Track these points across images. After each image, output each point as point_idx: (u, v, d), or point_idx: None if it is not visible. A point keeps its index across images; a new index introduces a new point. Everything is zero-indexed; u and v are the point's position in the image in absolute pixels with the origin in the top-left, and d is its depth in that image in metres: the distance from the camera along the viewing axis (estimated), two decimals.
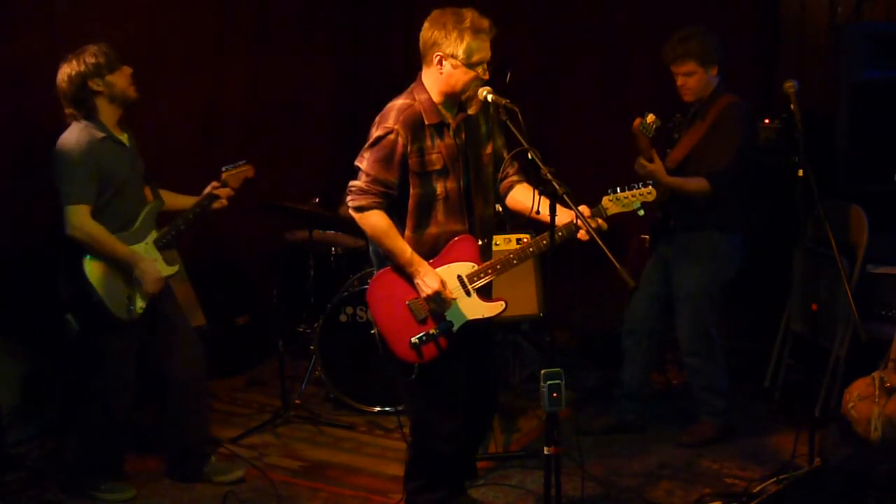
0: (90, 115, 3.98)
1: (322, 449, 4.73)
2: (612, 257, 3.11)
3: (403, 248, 3.52)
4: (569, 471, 3.94)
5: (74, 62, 3.95)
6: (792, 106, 4.02)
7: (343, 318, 5.07)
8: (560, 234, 3.49)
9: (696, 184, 4.40)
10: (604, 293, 5.87)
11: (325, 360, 5.10)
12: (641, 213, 3.54)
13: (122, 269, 4.00)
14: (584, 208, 3.37)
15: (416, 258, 3.53)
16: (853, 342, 4.74)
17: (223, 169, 4.36)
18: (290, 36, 6.31)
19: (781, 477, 4.12)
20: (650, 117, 4.28)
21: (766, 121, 5.34)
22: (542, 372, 3.11)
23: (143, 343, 4.14)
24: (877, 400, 3.76)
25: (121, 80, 4.01)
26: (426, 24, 3.49)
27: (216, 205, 4.29)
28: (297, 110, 6.42)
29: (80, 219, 3.90)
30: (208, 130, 5.81)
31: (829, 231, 3.99)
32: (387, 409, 5.04)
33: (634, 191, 3.54)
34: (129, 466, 4.35)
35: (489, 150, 3.66)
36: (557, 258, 3.29)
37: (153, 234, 4.15)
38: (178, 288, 4.95)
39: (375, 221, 3.52)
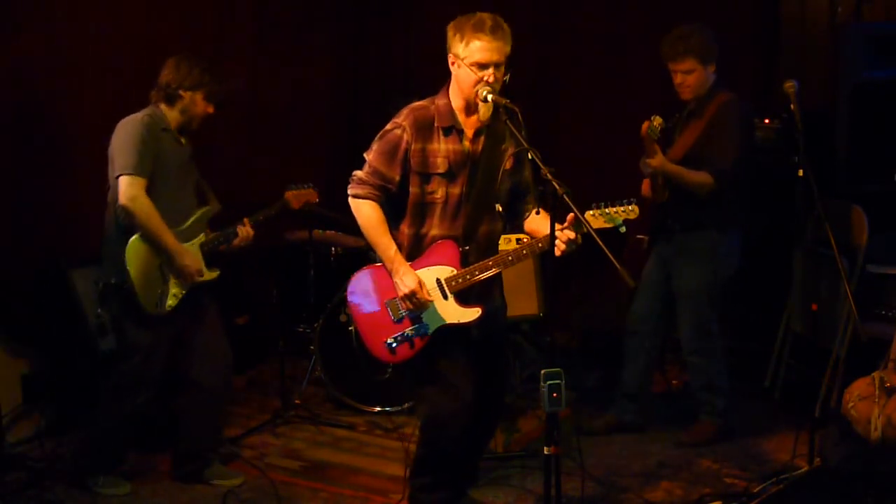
0: (162, 102, 4.08)
1: (322, 449, 4.73)
2: (612, 257, 3.11)
3: (388, 244, 3.57)
4: (569, 471, 3.94)
5: (196, 67, 4.06)
6: (792, 106, 4.02)
7: (343, 318, 5.06)
8: (540, 245, 3.51)
9: (700, 177, 4.40)
10: (604, 293, 5.87)
11: (325, 360, 5.10)
12: (623, 230, 3.52)
13: (160, 264, 4.02)
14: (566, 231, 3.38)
15: (398, 257, 3.56)
16: (853, 342, 4.74)
17: (289, 187, 4.53)
18: (290, 36, 6.31)
19: (781, 477, 4.12)
20: (657, 120, 4.28)
21: (766, 121, 5.34)
22: (542, 372, 3.11)
23: (175, 343, 4.14)
24: (877, 400, 3.77)
25: (200, 109, 4.11)
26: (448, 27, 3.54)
27: (236, 241, 4.30)
28: (296, 110, 6.42)
29: (136, 189, 3.92)
30: (208, 131, 5.79)
31: (829, 231, 3.99)
32: (387, 409, 5.05)
33: (618, 207, 3.50)
34: (130, 465, 4.35)
35: (509, 165, 3.64)
36: (557, 259, 3.29)
37: (201, 238, 4.19)
38: None
39: (367, 212, 3.58)
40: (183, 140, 4.16)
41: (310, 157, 6.52)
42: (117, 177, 3.93)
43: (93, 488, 4.13)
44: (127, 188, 3.91)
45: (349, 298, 3.69)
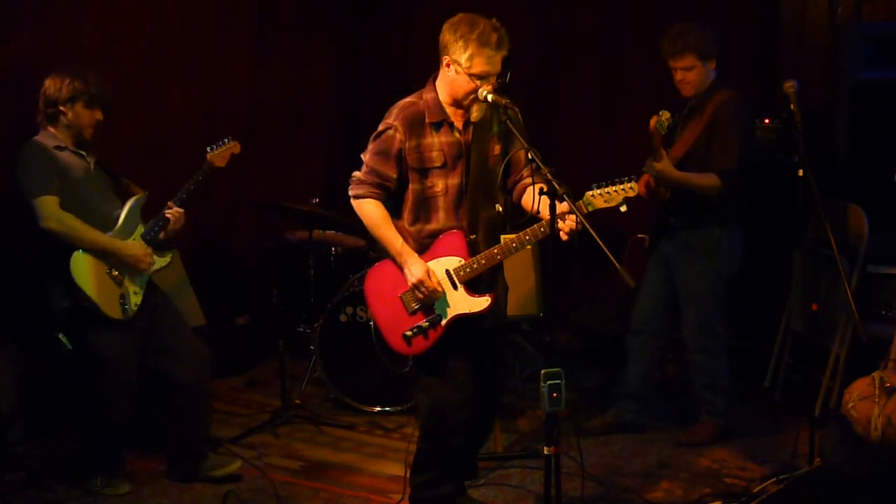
0: (48, 126, 4.06)
1: (322, 449, 4.73)
2: (612, 257, 3.11)
3: (394, 238, 3.62)
4: (569, 471, 3.94)
5: (67, 78, 4.01)
6: (792, 106, 4.02)
7: (343, 318, 5.07)
8: (542, 229, 3.51)
9: (707, 180, 4.40)
10: (604, 293, 5.87)
11: (325, 360, 5.11)
12: (624, 208, 3.52)
13: (108, 269, 4.00)
14: (564, 206, 3.36)
15: (406, 249, 3.61)
16: (853, 342, 4.74)
17: (208, 149, 4.38)
18: (289, 36, 6.31)
19: (781, 477, 4.12)
20: (665, 115, 4.27)
21: (766, 121, 5.34)
22: (542, 372, 3.11)
23: (143, 345, 4.13)
24: (877, 400, 3.77)
25: (85, 118, 4.05)
26: (444, 26, 3.53)
27: (171, 226, 4.20)
28: (297, 110, 6.42)
29: (50, 209, 3.91)
30: (208, 130, 5.80)
31: (829, 231, 3.99)
32: (387, 409, 5.05)
33: (617, 186, 3.51)
34: (130, 466, 4.36)
35: (497, 150, 3.67)
36: (557, 258, 3.29)
37: (140, 229, 4.17)
38: (178, 289, 4.95)
39: (369, 210, 3.64)
40: (83, 152, 4.12)
41: (310, 158, 6.52)
42: (31, 203, 3.91)
43: (93, 489, 4.13)
44: (41, 210, 3.90)
45: (365, 295, 3.75)
